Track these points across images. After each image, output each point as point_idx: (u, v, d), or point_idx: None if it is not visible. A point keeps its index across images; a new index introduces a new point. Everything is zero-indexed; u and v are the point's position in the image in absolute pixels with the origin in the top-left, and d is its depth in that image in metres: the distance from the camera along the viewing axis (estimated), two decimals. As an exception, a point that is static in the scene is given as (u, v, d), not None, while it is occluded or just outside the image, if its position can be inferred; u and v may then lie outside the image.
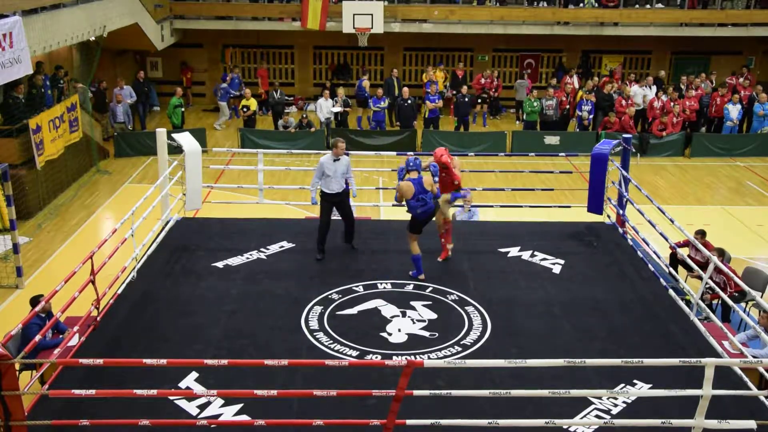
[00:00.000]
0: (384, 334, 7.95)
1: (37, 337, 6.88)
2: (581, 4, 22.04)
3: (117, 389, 6.37)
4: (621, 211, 10.87)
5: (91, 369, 6.98)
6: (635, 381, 7.09)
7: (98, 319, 7.94)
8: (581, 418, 6.56)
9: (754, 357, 7.60)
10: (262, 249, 10.03)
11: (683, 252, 10.28)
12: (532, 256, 9.99)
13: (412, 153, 9.99)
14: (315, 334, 7.94)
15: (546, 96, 20.05)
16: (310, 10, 21.14)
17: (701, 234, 10.49)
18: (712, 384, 5.93)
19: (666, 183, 17.35)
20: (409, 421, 6.10)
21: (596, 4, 22.02)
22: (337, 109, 19.69)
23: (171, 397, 6.62)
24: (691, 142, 19.52)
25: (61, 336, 8.14)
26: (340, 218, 9.95)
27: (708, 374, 5.91)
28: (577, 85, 21.30)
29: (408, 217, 9.17)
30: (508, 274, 9.49)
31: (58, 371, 7.00)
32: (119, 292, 8.67)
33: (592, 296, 8.92)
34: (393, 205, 9.77)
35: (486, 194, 13.22)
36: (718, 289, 8.43)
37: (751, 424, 6.11)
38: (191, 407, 6.62)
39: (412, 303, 8.62)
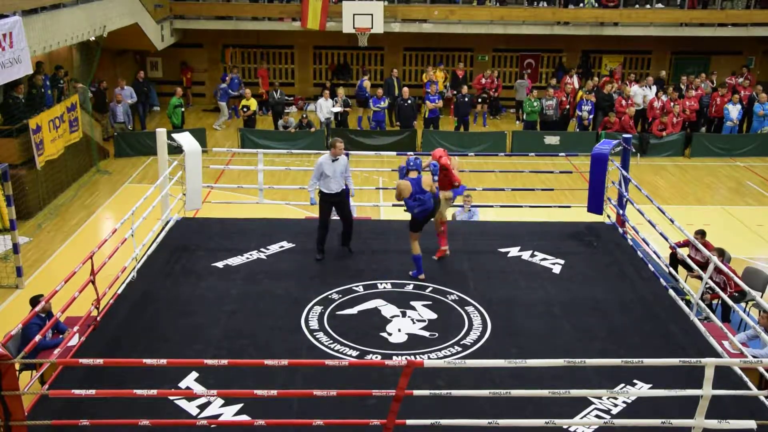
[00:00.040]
0: (384, 334, 7.95)
1: (37, 337, 6.88)
2: (581, 4, 22.04)
3: (117, 389, 6.37)
4: (621, 211, 10.87)
5: (91, 369, 6.98)
6: (635, 381, 7.09)
7: (98, 319, 7.94)
8: (581, 418, 6.56)
9: (754, 357, 7.60)
10: (262, 249, 10.03)
11: (683, 252, 10.28)
12: (532, 256, 9.99)
13: (412, 153, 10.00)
14: (315, 334, 7.94)
15: (546, 96, 20.06)
16: (310, 10, 21.15)
17: (701, 234, 10.49)
18: (712, 384, 5.92)
19: (666, 183, 17.35)
20: (409, 421, 6.10)
21: (596, 4, 22.02)
22: (337, 109, 19.69)
23: (171, 397, 6.62)
24: (691, 142, 19.53)
25: (61, 336, 8.14)
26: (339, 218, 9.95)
27: (708, 374, 5.91)
28: (577, 85, 21.30)
29: (409, 216, 9.19)
30: (508, 274, 9.49)
31: (58, 371, 7.00)
32: (119, 292, 8.66)
33: (592, 296, 8.91)
34: (393, 205, 9.78)
35: (486, 194, 13.22)
36: (718, 289, 8.43)
37: (751, 424, 6.11)
38: (191, 407, 6.61)
39: (412, 303, 8.61)
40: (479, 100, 21.63)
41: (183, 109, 19.29)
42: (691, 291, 8.96)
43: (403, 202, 9.16)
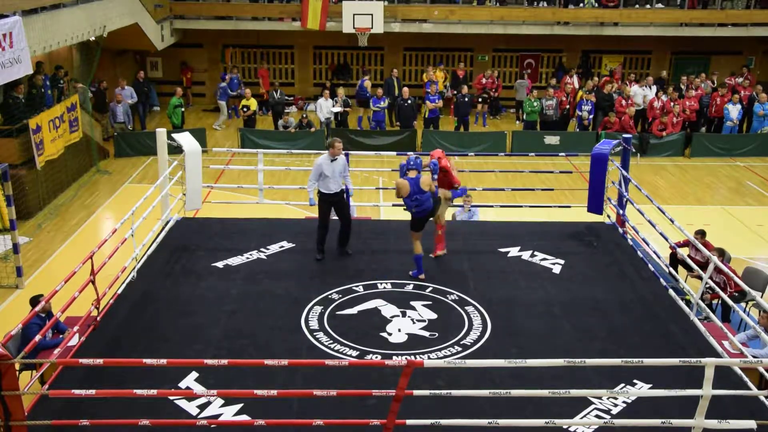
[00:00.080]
0: (384, 334, 7.95)
1: (37, 337, 6.88)
2: (581, 4, 22.04)
3: (117, 389, 6.37)
4: (621, 211, 10.87)
5: (91, 369, 6.98)
6: (635, 381, 7.09)
7: (98, 319, 7.94)
8: (581, 418, 6.56)
9: (754, 357, 7.60)
10: (262, 249, 10.03)
11: (683, 252, 10.28)
12: (532, 256, 9.99)
13: (413, 153, 10.01)
14: (315, 334, 7.94)
15: (546, 96, 20.06)
16: (310, 10, 21.15)
17: (701, 234, 10.49)
18: (712, 384, 5.92)
19: (666, 183, 17.35)
20: (409, 421, 6.10)
21: (596, 4, 22.02)
22: (337, 109, 19.69)
23: (171, 397, 6.62)
24: (691, 142, 19.53)
25: (61, 336, 8.14)
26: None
27: (708, 374, 5.91)
28: (577, 85, 21.30)
29: (409, 216, 9.19)
30: (508, 274, 9.49)
31: (58, 371, 7.00)
32: (119, 292, 8.66)
33: (592, 296, 8.92)
34: (393, 205, 9.77)
35: (486, 194, 13.22)
36: (718, 289, 8.43)
37: (751, 424, 6.11)
38: (191, 407, 6.61)
39: (412, 303, 8.62)
40: (479, 100, 21.63)
41: (183, 109, 19.29)
42: (691, 291, 8.96)
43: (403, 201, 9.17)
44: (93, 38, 16.56)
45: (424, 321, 8.23)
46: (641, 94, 20.35)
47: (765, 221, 14.85)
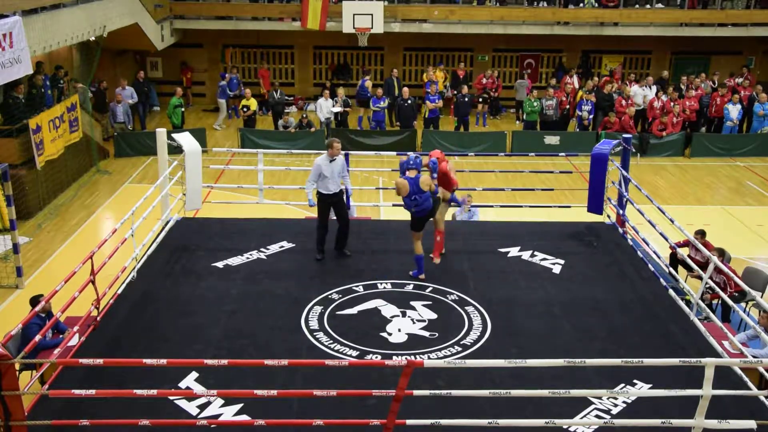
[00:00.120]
0: (384, 334, 7.95)
1: (37, 337, 6.88)
2: (581, 4, 22.04)
3: (117, 389, 6.37)
4: (621, 211, 10.87)
5: (91, 369, 6.98)
6: (635, 381, 7.09)
7: (98, 319, 7.94)
8: (581, 418, 6.56)
9: (754, 357, 7.60)
10: (262, 249, 10.03)
11: (683, 252, 10.28)
12: (532, 256, 9.99)
13: (413, 153, 9.99)
14: (315, 334, 7.94)
15: (546, 96, 20.06)
16: (310, 10, 21.14)
17: (701, 234, 10.49)
18: (712, 384, 5.92)
19: (666, 183, 17.35)
20: (409, 421, 6.10)
21: (596, 4, 22.02)
22: (337, 109, 19.69)
23: (171, 397, 6.62)
24: (691, 142, 19.53)
25: (61, 336, 8.14)
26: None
27: (708, 374, 5.91)
28: (577, 85, 21.30)
29: (409, 216, 9.18)
30: (508, 274, 9.49)
31: (58, 371, 7.00)
32: (119, 292, 8.66)
33: (592, 296, 8.92)
34: (393, 205, 9.76)
35: (486, 194, 13.22)
36: (718, 289, 8.43)
37: (751, 424, 6.11)
38: (191, 407, 6.61)
39: (412, 303, 8.61)
40: (479, 100, 21.63)
41: (183, 109, 19.29)
42: (691, 291, 8.96)
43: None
44: (93, 38, 16.56)
45: (424, 321, 8.23)
46: (641, 94, 20.35)
47: (765, 221, 14.85)
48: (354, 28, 20.77)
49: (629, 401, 6.79)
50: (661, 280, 9.33)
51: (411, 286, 9.06)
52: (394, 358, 7.36)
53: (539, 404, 6.55)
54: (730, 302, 7.90)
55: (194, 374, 7.01)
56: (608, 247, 10.37)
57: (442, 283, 9.10)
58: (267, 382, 6.53)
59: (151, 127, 19.46)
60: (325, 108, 19.52)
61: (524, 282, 9.25)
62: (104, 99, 19.34)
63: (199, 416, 6.50)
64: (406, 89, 19.88)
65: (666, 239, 9.43)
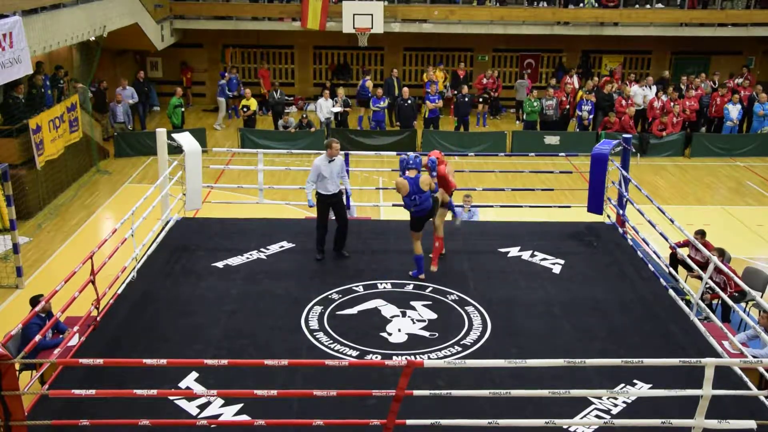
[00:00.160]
0: (384, 334, 7.95)
1: (37, 337, 6.88)
2: (581, 4, 22.04)
3: (117, 389, 6.37)
4: (621, 211, 10.87)
5: (91, 369, 6.98)
6: (635, 381, 7.09)
7: (98, 319, 7.94)
8: (581, 418, 6.56)
9: (754, 357, 7.60)
10: (262, 249, 10.03)
11: (683, 252, 10.28)
12: (532, 256, 9.99)
13: (413, 153, 9.96)
14: (315, 334, 7.94)
15: (546, 96, 20.06)
16: (310, 10, 21.15)
17: (701, 234, 10.49)
18: (712, 384, 5.92)
19: (666, 183, 17.35)
20: (409, 421, 6.10)
21: (596, 4, 22.02)
22: (337, 109, 19.69)
23: (171, 397, 6.62)
24: (691, 142, 19.53)
25: (61, 336, 8.14)
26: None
27: (708, 374, 5.90)
28: (577, 85, 21.30)
29: (409, 216, 9.17)
30: (508, 274, 9.49)
31: (58, 371, 7.00)
32: (119, 292, 8.66)
33: (592, 296, 8.91)
34: (393, 205, 9.76)
35: (486, 194, 13.23)
36: (718, 289, 8.43)
37: (751, 424, 6.10)
38: (191, 407, 6.61)
39: (412, 303, 8.61)
40: (480, 100, 21.63)
41: (183, 109, 19.29)
42: (691, 291, 8.96)
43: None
44: (93, 38, 16.56)
45: (424, 321, 8.23)
46: (641, 94, 20.36)
47: (765, 221, 14.85)
48: (354, 28, 20.77)
49: (629, 401, 6.79)
50: (661, 280, 9.33)
51: (411, 286, 9.05)
52: (394, 358, 7.36)
53: (539, 404, 6.55)
54: (730, 302, 7.90)
55: (194, 374, 7.01)
56: (608, 247, 10.37)
57: (442, 283, 9.10)
58: (267, 382, 6.53)
59: (151, 127, 19.46)
60: (325, 108, 19.52)
61: (524, 282, 9.25)
62: (104, 99, 19.34)
63: (199, 416, 6.50)
64: (406, 89, 19.88)
65: (666, 239, 9.43)
